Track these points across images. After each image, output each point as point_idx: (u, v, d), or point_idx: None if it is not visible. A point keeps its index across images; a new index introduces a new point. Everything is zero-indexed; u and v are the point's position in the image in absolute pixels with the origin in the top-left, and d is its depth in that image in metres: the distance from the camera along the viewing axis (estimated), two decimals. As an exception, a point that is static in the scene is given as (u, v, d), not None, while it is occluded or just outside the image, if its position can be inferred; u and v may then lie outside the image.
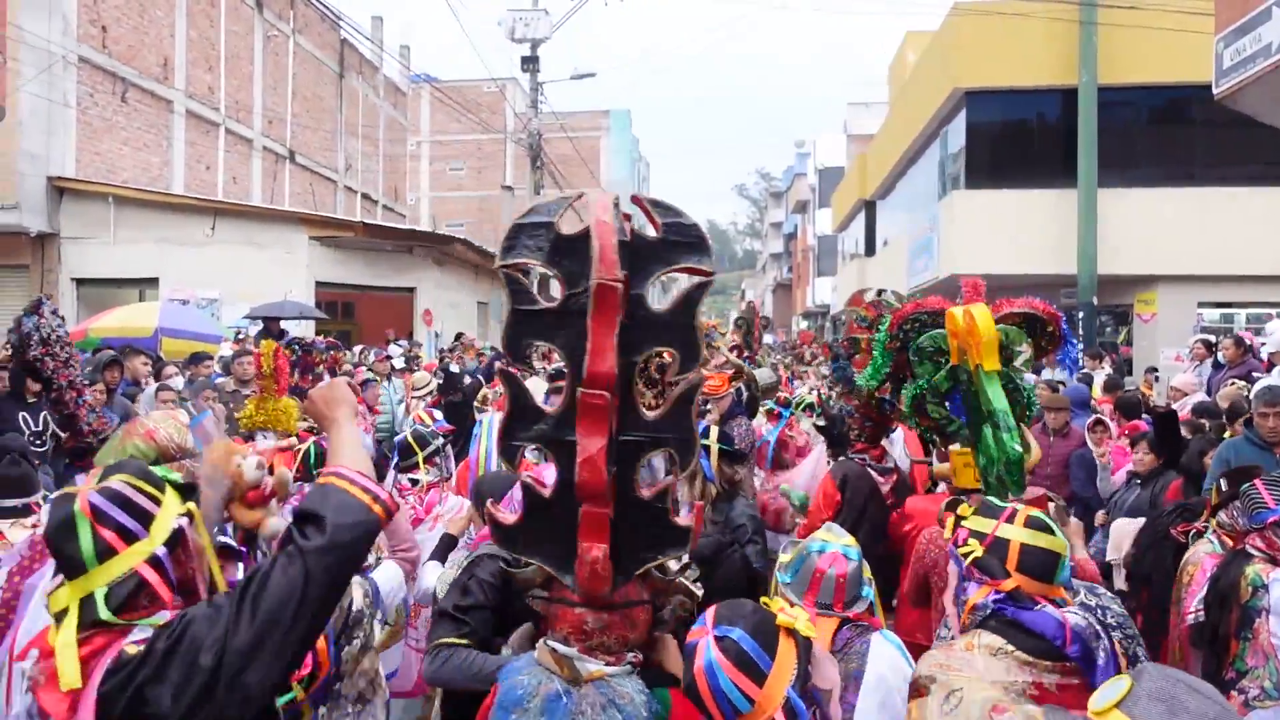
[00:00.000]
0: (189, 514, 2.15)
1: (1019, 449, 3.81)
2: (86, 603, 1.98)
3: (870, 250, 30.85)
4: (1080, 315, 17.13)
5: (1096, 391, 11.45)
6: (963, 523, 2.77)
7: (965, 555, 2.65)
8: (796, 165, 56.42)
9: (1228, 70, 7.10)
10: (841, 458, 6.08)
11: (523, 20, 24.35)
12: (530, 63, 24.62)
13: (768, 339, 21.31)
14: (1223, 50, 7.14)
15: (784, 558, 3.16)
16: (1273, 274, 16.89)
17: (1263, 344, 11.44)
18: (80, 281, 18.19)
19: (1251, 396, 6.56)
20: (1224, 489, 4.60)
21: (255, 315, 15.42)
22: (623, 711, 2.37)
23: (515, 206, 33.56)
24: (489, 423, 6.32)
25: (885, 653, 2.88)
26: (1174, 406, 9.81)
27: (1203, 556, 4.33)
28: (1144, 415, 9.66)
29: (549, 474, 2.71)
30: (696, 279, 2.45)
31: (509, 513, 2.57)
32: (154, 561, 2.04)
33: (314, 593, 1.91)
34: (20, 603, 2.84)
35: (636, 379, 2.51)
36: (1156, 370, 14.91)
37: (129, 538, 2.03)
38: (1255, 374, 10.20)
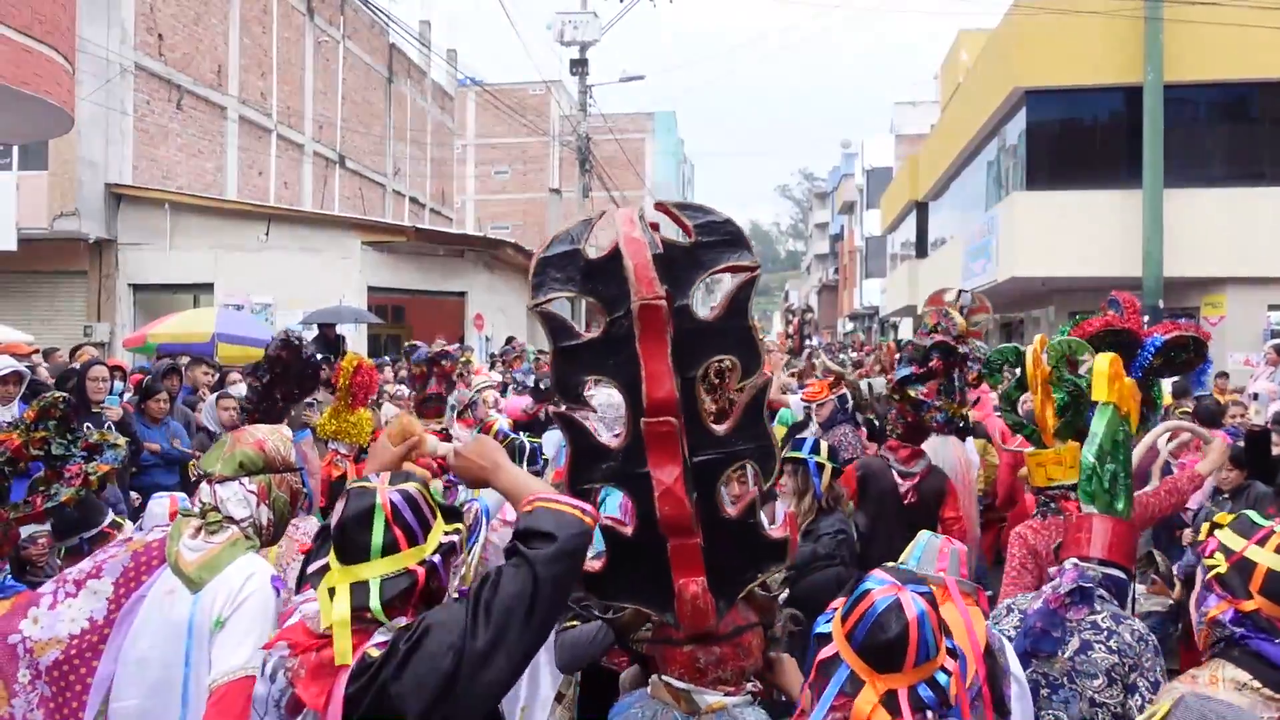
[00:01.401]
0: (457, 532, 2.28)
1: (1089, 462, 3.78)
2: (358, 588, 2.12)
3: (922, 252, 30.44)
4: (1146, 319, 16.69)
5: (1166, 397, 11.12)
6: (1216, 532, 2.60)
7: (1210, 568, 2.51)
8: (843, 166, 56.00)
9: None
10: (870, 455, 6.12)
11: (571, 23, 24.31)
12: (579, 65, 24.55)
13: (814, 340, 21.05)
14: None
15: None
16: (1346, 275, 16.40)
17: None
18: (137, 287, 18.35)
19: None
20: None
21: (311, 321, 15.45)
22: None
23: (563, 209, 33.58)
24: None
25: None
26: (1252, 411, 9.50)
27: None
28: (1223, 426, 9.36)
29: None
30: (741, 277, 2.28)
31: (594, 559, 2.40)
32: (428, 567, 2.18)
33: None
34: (125, 616, 2.82)
35: (699, 394, 2.33)
36: (1227, 374, 14.50)
37: (412, 540, 2.18)
38: (1339, 381, 9.86)
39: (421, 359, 8.53)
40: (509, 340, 19.94)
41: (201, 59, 20.21)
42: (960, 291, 7.04)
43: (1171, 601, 7.15)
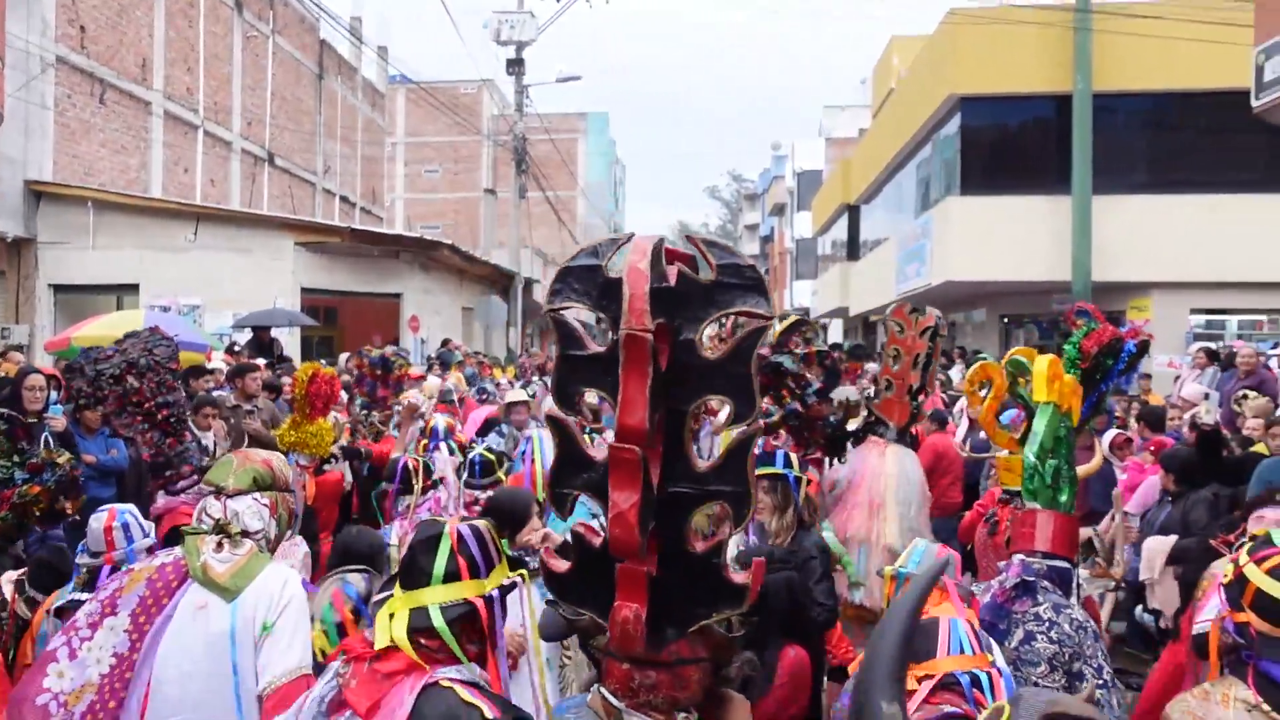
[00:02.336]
0: (520, 579, 2.42)
1: (1031, 460, 4.18)
2: (416, 613, 2.26)
3: (854, 254, 30.80)
4: (1063, 320, 17.08)
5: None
6: (1240, 545, 2.80)
7: (1228, 576, 2.69)
8: (773, 168, 56.46)
9: (1269, 83, 6.98)
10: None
11: (508, 22, 24.08)
12: (516, 65, 24.35)
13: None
14: (1263, 62, 7.03)
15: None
16: (1264, 280, 16.94)
17: (1271, 354, 11.41)
18: (58, 288, 17.70)
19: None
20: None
21: (245, 324, 15.07)
22: None
23: (497, 209, 33.28)
24: (539, 438, 6.22)
25: None
26: (1185, 416, 9.75)
27: (1216, 573, 4.21)
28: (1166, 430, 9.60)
29: None
30: (752, 324, 2.26)
31: (560, 561, 2.47)
32: (488, 601, 2.31)
33: None
34: (153, 641, 2.84)
35: (688, 428, 2.34)
36: (1149, 376, 14.89)
37: (475, 572, 2.33)
38: (1267, 384, 10.16)
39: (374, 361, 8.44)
40: (444, 342, 19.69)
41: (125, 52, 19.58)
42: (930, 313, 7.10)
43: (1114, 583, 7.32)
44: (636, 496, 2.26)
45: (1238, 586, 2.64)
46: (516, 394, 9.80)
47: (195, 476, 5.97)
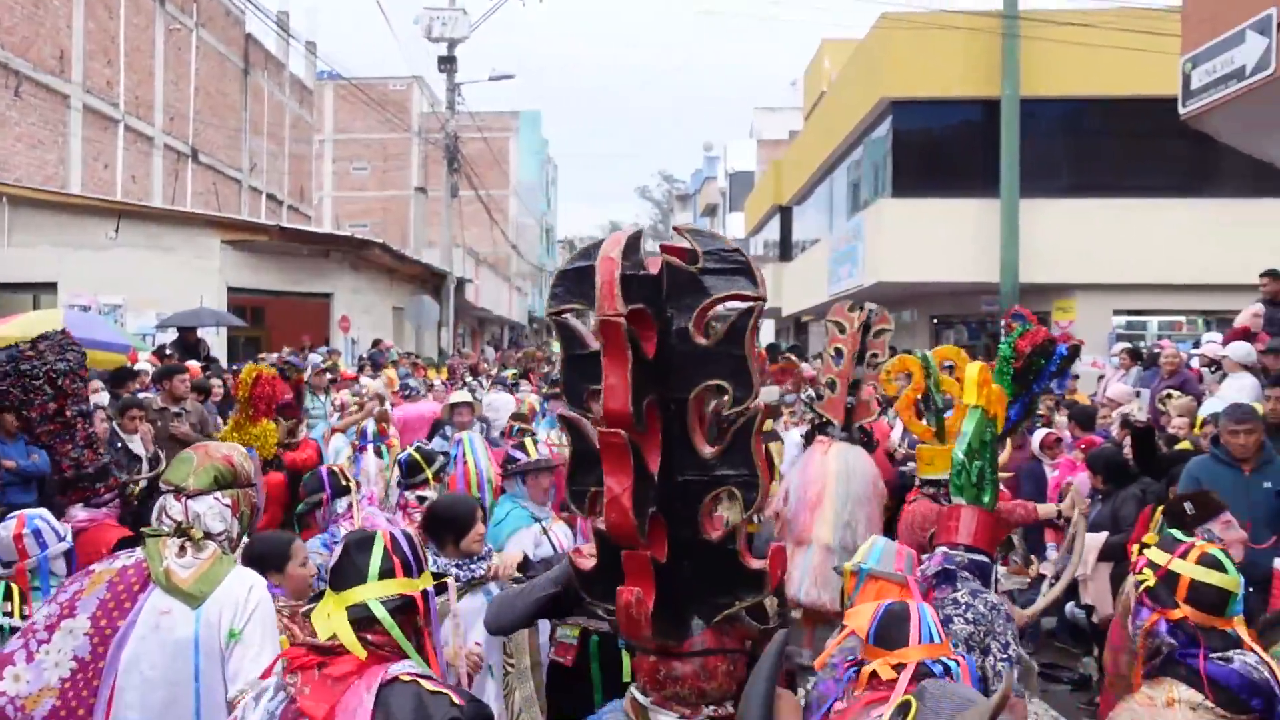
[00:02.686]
0: (442, 589, 2.50)
1: (959, 459, 4.49)
2: (355, 608, 2.31)
3: (786, 255, 31.06)
4: (1003, 322, 17.41)
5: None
6: (1144, 551, 2.89)
7: (1140, 583, 2.80)
8: (705, 169, 56.74)
9: (1196, 91, 7.17)
10: None
11: (440, 19, 23.82)
12: (448, 62, 24.09)
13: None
14: (1190, 70, 7.22)
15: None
16: (1183, 283, 17.45)
17: (1193, 354, 11.71)
18: (-30, 287, 17.07)
19: (1221, 415, 6.60)
20: (1190, 513, 4.64)
21: (170, 324, 14.68)
22: None
23: (428, 208, 32.90)
24: (470, 440, 6.34)
25: None
26: (1114, 414, 9.98)
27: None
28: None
29: None
30: (743, 305, 2.31)
31: (587, 559, 2.51)
32: (424, 595, 2.40)
33: None
34: (118, 646, 2.78)
35: (692, 415, 2.37)
36: (1077, 376, 15.23)
37: (408, 571, 2.41)
38: (1189, 384, 10.44)
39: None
40: (375, 343, 19.43)
41: (42, 44, 18.92)
42: (861, 304, 7.19)
43: (1028, 580, 7.51)
44: (629, 481, 2.27)
45: (1167, 585, 2.72)
46: (460, 395, 9.75)
47: (117, 490, 5.83)
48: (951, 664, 2.41)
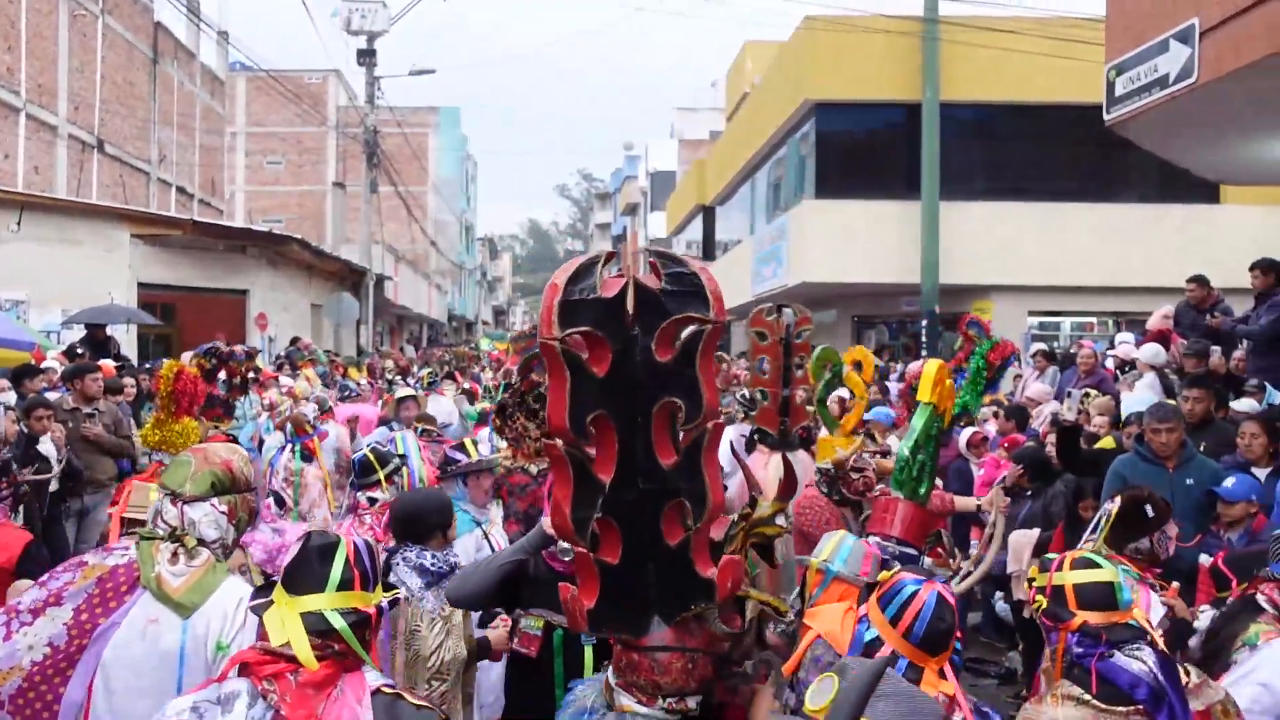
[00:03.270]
0: (395, 600, 2.58)
1: (905, 454, 4.68)
2: (309, 616, 2.28)
3: (709, 255, 31.21)
4: (924, 323, 17.75)
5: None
6: (1031, 584, 3.00)
7: (1037, 610, 2.90)
8: (626, 168, 56.72)
9: (1120, 98, 7.35)
10: None
11: (359, 11, 23.37)
12: (367, 56, 23.65)
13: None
14: (1114, 78, 7.40)
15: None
16: (1094, 285, 17.96)
17: (1109, 354, 12.03)
18: None
19: (1144, 414, 6.77)
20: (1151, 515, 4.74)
21: (77, 320, 14.13)
22: None
23: (347, 203, 32.29)
24: (405, 440, 6.36)
25: None
26: (1064, 408, 10.22)
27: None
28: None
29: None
30: (695, 327, 2.46)
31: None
32: (378, 609, 2.41)
33: None
34: (96, 643, 2.77)
35: (656, 428, 2.51)
36: (1005, 368, 15.55)
37: (365, 584, 2.39)
38: (1106, 384, 10.72)
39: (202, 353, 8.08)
40: (294, 340, 18.95)
41: (-63, 27, 18.07)
42: (780, 307, 7.18)
43: (952, 571, 7.67)
44: (568, 489, 2.45)
45: (1057, 600, 2.86)
46: (404, 390, 9.93)
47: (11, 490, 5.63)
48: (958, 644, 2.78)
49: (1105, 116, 7.69)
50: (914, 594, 2.69)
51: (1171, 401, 7.56)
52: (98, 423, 8.31)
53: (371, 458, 5.18)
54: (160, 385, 5.83)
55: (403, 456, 5.53)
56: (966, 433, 9.59)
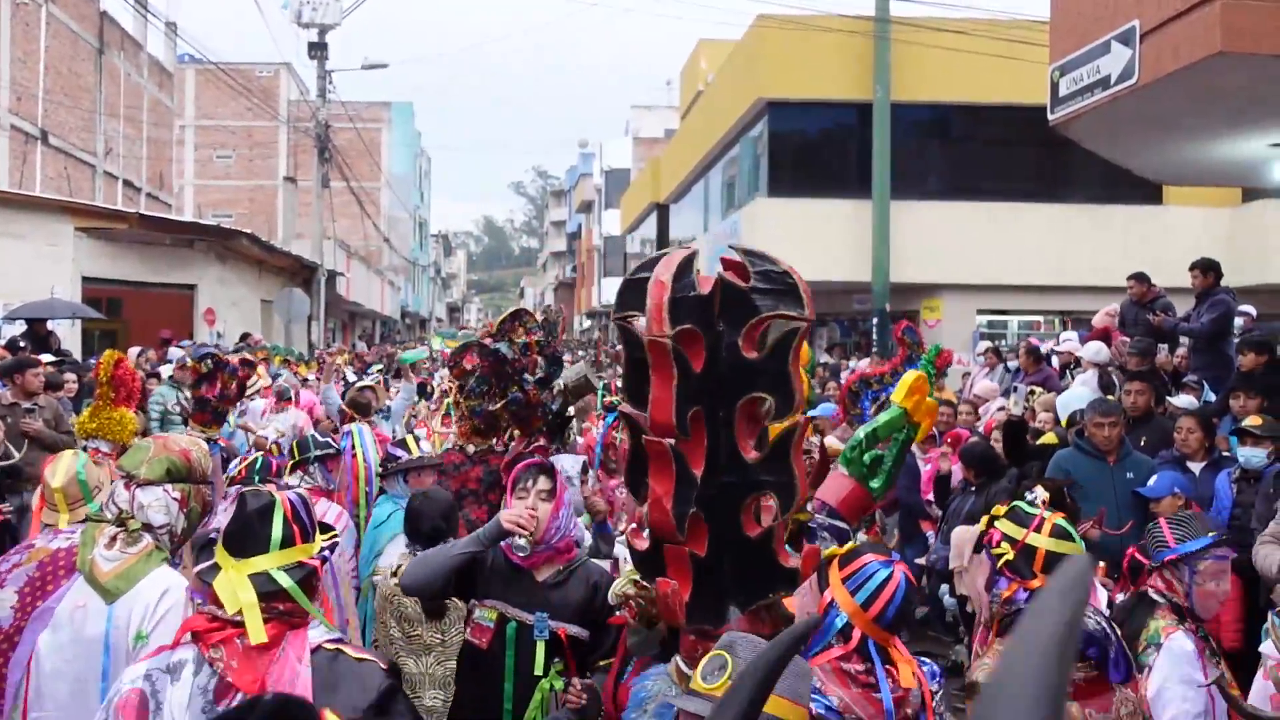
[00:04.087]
0: (334, 541, 2.59)
1: (859, 438, 4.54)
2: (257, 578, 2.31)
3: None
4: (874, 321, 17.92)
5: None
6: (995, 524, 3.10)
7: (998, 556, 3.01)
8: (581, 165, 56.63)
9: (1064, 99, 7.48)
10: None
11: (311, 4, 23.11)
12: (319, 49, 23.40)
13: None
14: (1058, 79, 7.52)
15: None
16: (1041, 284, 18.24)
17: (1053, 350, 12.23)
18: None
19: (1086, 409, 6.91)
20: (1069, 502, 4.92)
21: (18, 315, 13.84)
22: None
23: (298, 198, 31.91)
24: (359, 431, 6.43)
25: None
26: (1011, 403, 10.37)
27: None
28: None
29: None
30: (789, 325, 2.53)
31: (641, 540, 2.75)
32: (324, 562, 2.48)
33: None
34: (33, 625, 2.79)
35: (739, 423, 2.58)
36: (945, 374, 15.75)
37: (306, 537, 2.44)
38: (1050, 380, 10.91)
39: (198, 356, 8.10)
40: (244, 336, 18.71)
41: (-127, 13, 17.61)
42: None
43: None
44: (670, 485, 2.50)
45: (1025, 557, 2.97)
46: (366, 380, 10.11)
47: None
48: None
49: (1049, 117, 7.83)
50: (887, 578, 2.70)
51: (1112, 398, 7.72)
52: (38, 418, 8.17)
53: (293, 445, 5.33)
54: (100, 373, 5.79)
55: (337, 451, 5.51)
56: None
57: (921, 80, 17.94)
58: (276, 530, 2.38)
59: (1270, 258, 16.44)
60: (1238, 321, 9.85)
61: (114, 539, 2.86)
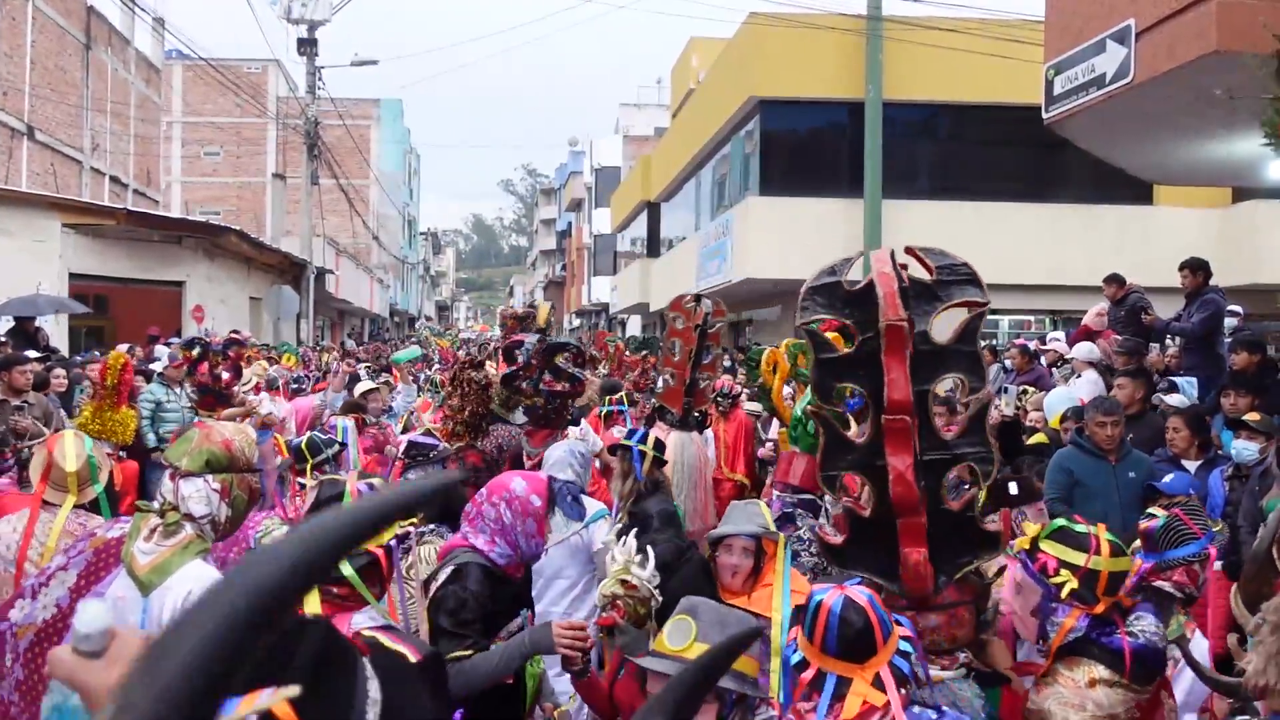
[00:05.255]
0: (411, 528, 2.85)
1: (799, 416, 5.11)
2: None
3: (654, 251, 31.21)
4: (865, 320, 17.91)
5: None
6: (1044, 548, 2.86)
7: (1059, 584, 2.84)
8: (571, 164, 56.59)
9: (1058, 97, 7.47)
10: None
11: (300, 0, 23.00)
12: (308, 45, 23.29)
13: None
14: (1053, 77, 7.51)
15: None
16: (1032, 283, 18.24)
17: (1040, 350, 12.24)
18: None
19: (1087, 407, 6.90)
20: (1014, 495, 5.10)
21: (4, 312, 13.74)
22: (963, 713, 2.61)
23: (288, 195, 31.75)
24: (345, 427, 6.71)
25: None
26: (1002, 403, 10.36)
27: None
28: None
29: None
30: (974, 310, 2.82)
31: (836, 535, 2.93)
32: (386, 550, 2.66)
33: None
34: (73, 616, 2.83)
35: (930, 404, 2.82)
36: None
37: None
38: (1043, 380, 10.91)
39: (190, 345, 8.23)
40: (232, 333, 18.61)
41: None
42: (699, 297, 7.37)
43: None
44: (910, 459, 2.71)
45: (1088, 584, 2.78)
46: (367, 384, 10.18)
47: None
48: (904, 645, 2.61)
49: (1044, 115, 7.82)
50: (820, 603, 2.47)
51: (1111, 397, 7.71)
52: (28, 415, 8.07)
53: (303, 448, 5.38)
54: (107, 375, 5.83)
55: (343, 445, 5.69)
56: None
57: (914, 79, 17.92)
58: None
59: (1260, 258, 16.49)
60: (1230, 322, 9.87)
61: (153, 531, 2.91)
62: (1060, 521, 3.30)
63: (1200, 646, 3.45)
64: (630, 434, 5.13)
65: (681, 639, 2.23)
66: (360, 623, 2.42)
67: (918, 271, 2.97)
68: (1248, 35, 5.90)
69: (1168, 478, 5.80)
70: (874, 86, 17.59)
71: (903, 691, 2.39)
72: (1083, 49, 7.08)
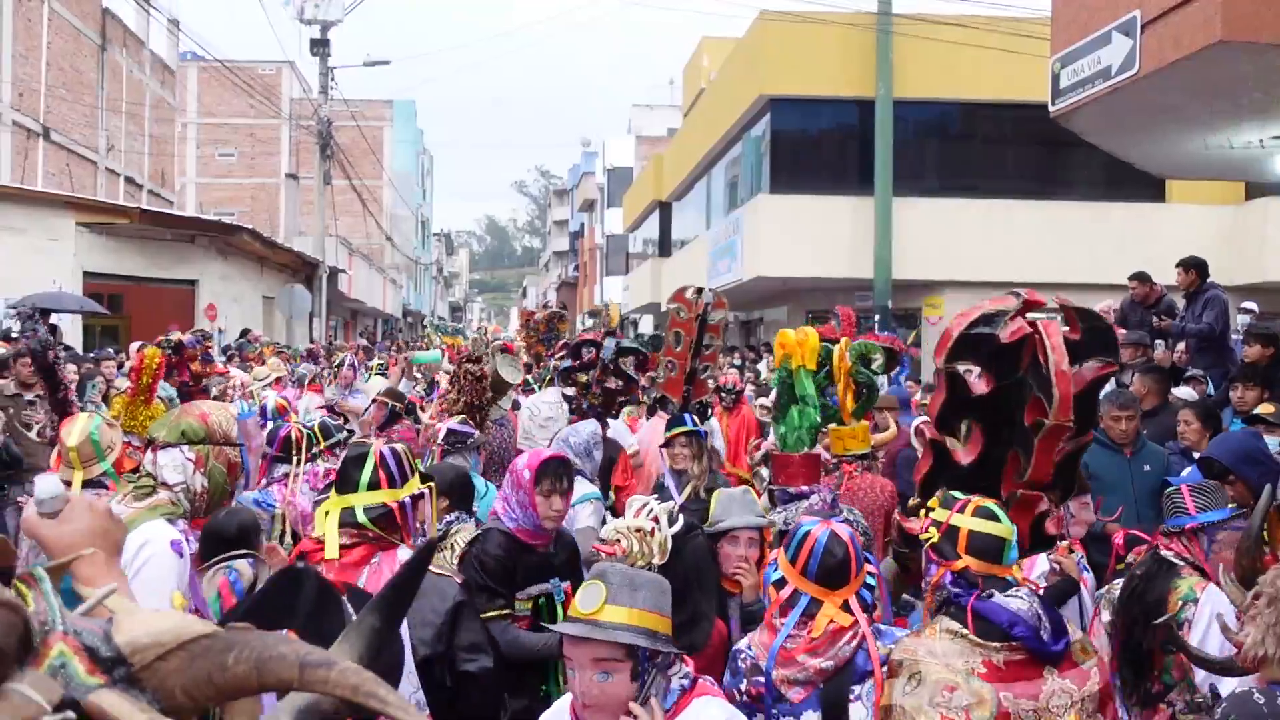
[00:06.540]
0: (427, 490, 3.27)
1: (815, 419, 5.08)
2: (346, 511, 3.07)
3: (665, 251, 31.23)
4: (876, 318, 17.89)
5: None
6: (930, 512, 3.10)
7: (926, 540, 3.04)
8: (583, 164, 56.65)
9: (1065, 90, 7.46)
10: None
11: (313, 1, 23.11)
12: (321, 46, 23.40)
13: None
14: (1059, 70, 7.50)
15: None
16: (1040, 281, 18.10)
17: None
18: None
19: (1103, 401, 6.88)
20: None
21: (28, 304, 13.84)
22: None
23: (301, 195, 31.90)
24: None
25: None
26: None
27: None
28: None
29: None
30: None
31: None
32: (401, 505, 3.12)
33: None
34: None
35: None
36: (900, 363, 15.73)
37: (392, 483, 3.13)
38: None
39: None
40: (244, 333, 18.73)
41: (-125, 8, 17.62)
42: (700, 289, 7.42)
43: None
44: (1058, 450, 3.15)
45: (949, 539, 2.95)
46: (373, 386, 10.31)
47: None
48: (870, 580, 3.01)
49: (1050, 109, 7.81)
50: (808, 533, 2.89)
51: (1128, 391, 7.69)
52: (39, 410, 8.15)
53: (316, 431, 5.45)
54: (144, 372, 5.94)
55: (350, 431, 5.86)
56: (917, 421, 9.68)
57: (924, 77, 17.90)
58: (365, 475, 3.08)
59: (1273, 255, 16.41)
60: (1243, 319, 9.81)
61: (125, 495, 3.05)
62: (952, 492, 3.45)
63: (1220, 602, 3.41)
64: (674, 420, 5.49)
65: (593, 602, 2.34)
66: (406, 555, 2.79)
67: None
68: (1253, 25, 5.89)
69: (1185, 471, 5.78)
70: (884, 84, 17.57)
71: (865, 616, 2.82)
72: (1088, 41, 7.07)
